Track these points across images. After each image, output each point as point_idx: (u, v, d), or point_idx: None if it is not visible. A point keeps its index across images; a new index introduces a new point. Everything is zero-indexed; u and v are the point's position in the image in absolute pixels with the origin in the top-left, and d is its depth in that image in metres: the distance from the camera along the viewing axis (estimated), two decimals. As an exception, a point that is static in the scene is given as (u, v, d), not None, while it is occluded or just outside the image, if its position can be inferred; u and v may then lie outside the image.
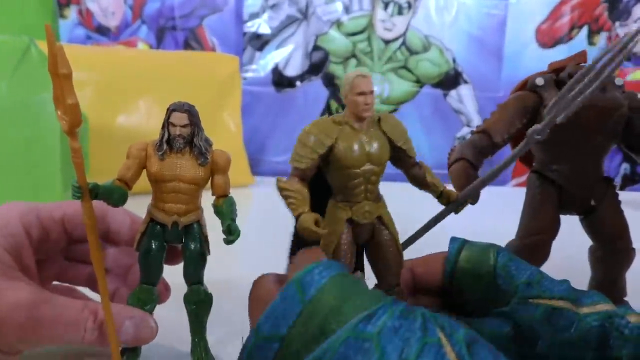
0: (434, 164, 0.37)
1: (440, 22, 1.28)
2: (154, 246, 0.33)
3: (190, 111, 0.32)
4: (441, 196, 0.35)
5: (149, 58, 1.03)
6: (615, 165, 1.30)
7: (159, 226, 0.33)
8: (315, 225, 0.29)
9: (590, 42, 1.28)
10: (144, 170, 0.33)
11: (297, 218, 0.30)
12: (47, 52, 0.26)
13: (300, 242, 0.31)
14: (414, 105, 1.31)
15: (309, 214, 0.30)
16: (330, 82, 1.30)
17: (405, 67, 1.30)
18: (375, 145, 0.31)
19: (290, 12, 1.28)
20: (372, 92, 0.31)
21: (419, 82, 1.31)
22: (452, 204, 0.36)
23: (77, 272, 0.37)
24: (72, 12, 1.29)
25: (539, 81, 0.41)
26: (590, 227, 0.43)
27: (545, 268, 0.40)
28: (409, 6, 1.28)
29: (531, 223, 0.42)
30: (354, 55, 1.30)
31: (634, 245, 0.42)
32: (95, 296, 0.38)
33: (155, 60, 1.00)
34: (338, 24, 1.28)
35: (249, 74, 1.28)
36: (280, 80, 1.30)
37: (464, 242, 0.33)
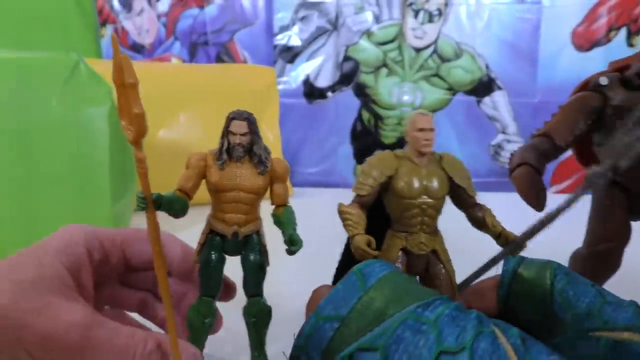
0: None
1: (471, 28, 1.27)
2: (213, 257, 0.32)
3: (249, 119, 0.32)
4: (499, 237, 0.35)
5: (187, 72, 1.05)
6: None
7: (218, 237, 0.32)
8: (368, 247, 0.31)
9: (630, 44, 1.24)
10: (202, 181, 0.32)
11: (352, 238, 0.32)
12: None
13: (349, 265, 0.31)
14: (446, 113, 1.29)
15: (362, 235, 0.32)
16: (361, 92, 1.29)
17: (437, 75, 1.29)
18: (433, 179, 0.33)
19: (320, 23, 1.28)
20: (432, 129, 0.33)
21: (452, 90, 1.29)
22: (511, 245, 0.35)
23: (130, 297, 0.37)
24: (108, 31, 1.33)
25: (603, 80, 0.39)
26: (665, 233, 0.40)
27: (615, 278, 0.38)
28: (440, 13, 1.26)
29: (599, 229, 0.40)
30: (384, 65, 1.29)
31: None
32: (145, 322, 0.37)
33: (193, 74, 1.02)
34: (368, 33, 1.28)
35: (280, 86, 1.29)
36: (311, 91, 1.30)
37: (520, 261, 0.30)
